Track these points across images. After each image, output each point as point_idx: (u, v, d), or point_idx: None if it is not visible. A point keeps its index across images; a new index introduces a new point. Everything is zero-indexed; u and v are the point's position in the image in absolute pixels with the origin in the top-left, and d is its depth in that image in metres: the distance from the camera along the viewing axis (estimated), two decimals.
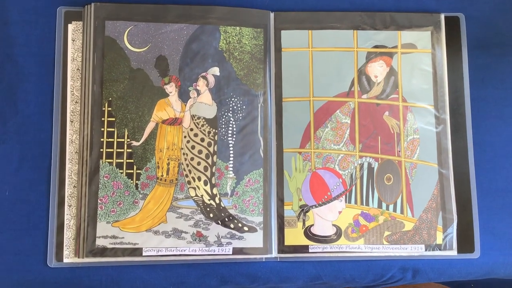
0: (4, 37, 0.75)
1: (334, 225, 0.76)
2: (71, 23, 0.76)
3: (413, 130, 0.78)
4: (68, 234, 0.72)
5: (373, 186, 0.77)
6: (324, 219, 0.76)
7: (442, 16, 0.80)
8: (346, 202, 0.76)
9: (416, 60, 0.79)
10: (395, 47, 0.79)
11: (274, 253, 0.75)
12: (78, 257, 0.72)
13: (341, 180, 0.77)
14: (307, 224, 0.76)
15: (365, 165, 0.77)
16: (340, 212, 0.76)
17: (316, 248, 0.75)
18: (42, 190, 0.73)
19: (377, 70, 0.79)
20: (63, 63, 0.75)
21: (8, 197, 0.73)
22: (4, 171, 0.73)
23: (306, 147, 0.77)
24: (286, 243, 0.75)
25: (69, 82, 0.75)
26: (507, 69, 0.80)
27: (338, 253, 0.75)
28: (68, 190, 0.73)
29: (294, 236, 0.75)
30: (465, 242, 0.76)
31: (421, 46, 0.79)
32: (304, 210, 0.76)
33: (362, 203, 0.76)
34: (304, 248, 0.75)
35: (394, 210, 0.76)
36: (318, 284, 0.77)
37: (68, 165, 0.74)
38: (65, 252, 0.72)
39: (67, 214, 0.73)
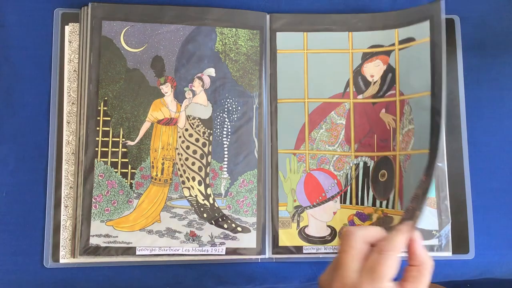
0: (1, 39, 0.76)
1: (328, 226, 0.76)
2: (67, 24, 0.76)
3: (408, 121, 0.75)
4: (65, 235, 0.73)
5: (368, 185, 0.76)
6: (318, 220, 0.76)
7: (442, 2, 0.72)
8: (341, 202, 0.76)
9: (414, 51, 0.76)
10: (393, 45, 0.78)
11: (268, 254, 0.74)
12: (73, 256, 0.72)
13: (336, 181, 0.76)
14: (302, 225, 0.75)
15: (361, 165, 0.77)
16: (334, 213, 0.76)
17: (310, 249, 0.75)
18: (38, 191, 0.74)
19: (373, 69, 0.78)
20: (60, 65, 0.76)
21: (5, 198, 0.73)
22: (1, 172, 0.74)
23: (301, 148, 0.77)
24: (280, 244, 0.75)
25: (66, 84, 0.75)
26: (501, 70, 0.80)
27: (333, 254, 0.75)
28: (65, 191, 0.74)
29: (289, 237, 0.75)
30: (460, 242, 0.76)
31: (419, 37, 0.75)
32: (298, 211, 0.76)
33: (357, 203, 0.76)
34: (298, 249, 0.75)
35: (387, 206, 0.75)
36: (315, 285, 0.77)
37: (64, 166, 0.74)
38: (62, 252, 0.72)
39: (63, 215, 0.73)
